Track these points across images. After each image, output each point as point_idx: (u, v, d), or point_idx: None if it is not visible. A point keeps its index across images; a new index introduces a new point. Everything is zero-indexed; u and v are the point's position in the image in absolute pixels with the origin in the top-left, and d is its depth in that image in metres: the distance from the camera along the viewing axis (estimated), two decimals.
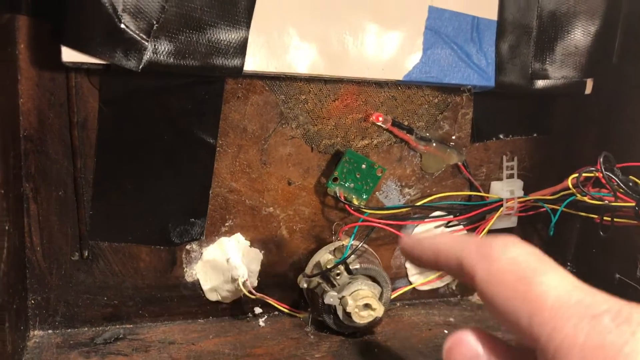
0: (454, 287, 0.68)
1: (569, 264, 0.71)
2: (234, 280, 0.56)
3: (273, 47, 0.49)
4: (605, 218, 0.57)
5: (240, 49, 0.48)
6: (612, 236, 0.57)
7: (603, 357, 0.21)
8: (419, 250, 0.33)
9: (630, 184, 0.54)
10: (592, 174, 0.57)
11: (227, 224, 0.56)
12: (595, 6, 0.57)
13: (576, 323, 0.22)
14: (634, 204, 0.52)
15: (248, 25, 0.48)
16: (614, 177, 0.54)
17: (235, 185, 0.55)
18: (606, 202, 0.55)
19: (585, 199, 0.56)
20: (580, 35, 0.57)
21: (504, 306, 0.26)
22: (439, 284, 0.66)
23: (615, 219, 0.56)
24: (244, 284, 0.55)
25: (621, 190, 0.54)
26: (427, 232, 0.63)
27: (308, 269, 0.58)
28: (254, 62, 0.49)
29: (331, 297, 0.54)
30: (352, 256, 0.56)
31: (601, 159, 0.54)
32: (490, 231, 0.63)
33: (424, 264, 0.34)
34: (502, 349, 0.28)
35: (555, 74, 0.58)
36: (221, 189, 0.55)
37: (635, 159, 0.56)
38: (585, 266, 0.69)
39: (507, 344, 0.29)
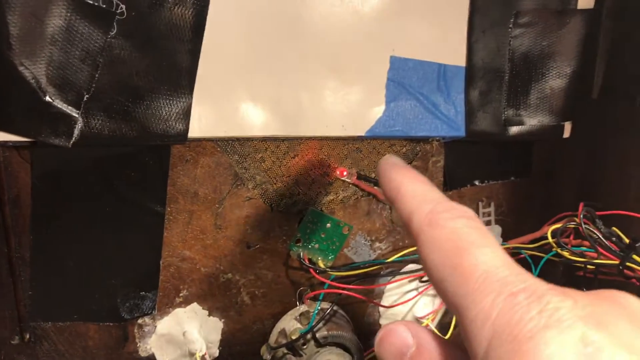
0: None
1: None
2: (191, 354, 0.52)
3: (221, 110, 0.45)
4: (589, 269, 0.53)
5: (184, 114, 0.44)
6: (599, 287, 0.53)
7: (509, 332, 0.21)
8: (387, 182, 0.33)
9: (614, 239, 0.50)
10: (572, 225, 0.53)
11: (181, 294, 0.52)
12: (570, 46, 0.53)
13: (494, 298, 0.23)
14: (617, 262, 0.49)
15: (191, 89, 0.44)
16: (595, 231, 0.50)
17: (189, 253, 0.51)
18: (588, 258, 0.51)
19: (566, 254, 0.52)
20: (555, 77, 0.54)
21: (437, 273, 0.26)
22: None
23: (599, 277, 0.52)
24: (202, 358, 0.51)
25: (603, 246, 0.50)
26: (401, 288, 0.59)
27: (272, 338, 0.54)
28: (200, 128, 0.45)
29: None
30: (320, 323, 0.52)
31: (581, 213, 0.51)
32: None
33: (385, 194, 0.34)
34: (434, 341, 0.29)
35: (531, 119, 0.54)
36: (173, 258, 0.51)
37: (622, 204, 0.53)
38: None
39: (440, 338, 0.29)
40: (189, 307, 0.52)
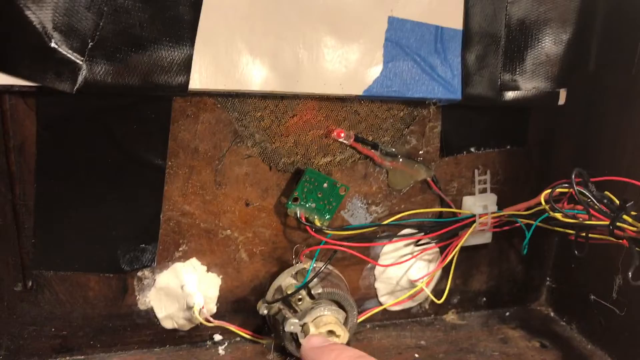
0: (427, 306, 0.65)
1: (548, 279, 0.69)
2: (189, 307, 0.53)
3: (221, 63, 0.46)
4: (580, 235, 0.54)
5: (185, 66, 0.45)
6: (591, 252, 0.54)
7: None
8: None
9: (605, 201, 0.51)
10: (565, 189, 0.54)
11: (181, 249, 0.53)
12: (567, 13, 0.54)
13: None
14: (607, 223, 0.50)
15: (192, 41, 0.45)
16: (587, 193, 0.51)
17: (189, 208, 0.52)
18: (580, 220, 0.52)
19: (558, 216, 0.53)
20: (551, 43, 0.54)
21: None
22: (410, 303, 0.63)
23: (591, 236, 0.53)
24: (199, 312, 0.52)
25: (595, 207, 0.51)
26: (396, 252, 0.60)
27: (269, 294, 0.55)
28: (200, 80, 0.46)
29: (292, 325, 0.51)
30: (315, 280, 0.53)
31: (573, 175, 0.52)
32: (463, 248, 0.60)
33: None
34: None
35: (526, 84, 0.55)
36: (173, 212, 0.52)
37: (616, 171, 0.53)
38: (565, 282, 0.67)
39: None
40: (188, 262, 0.54)
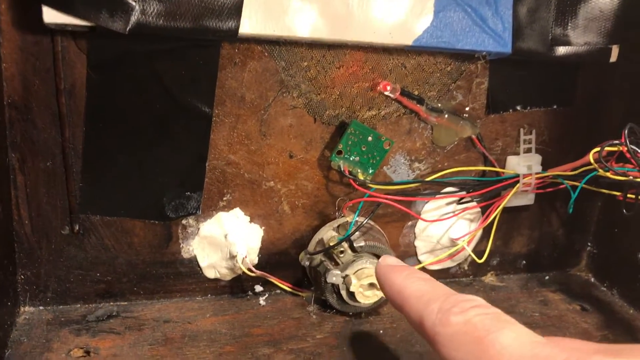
0: (466, 267, 0.64)
1: (589, 244, 0.68)
2: (232, 257, 0.53)
3: (271, 8, 0.46)
4: (629, 195, 0.53)
5: (235, 9, 0.45)
6: (636, 215, 0.53)
7: None
8: (388, 288, 0.35)
9: None
10: (615, 148, 0.53)
11: (225, 199, 0.53)
12: None
13: None
14: None
15: None
16: (639, 150, 0.50)
17: (234, 158, 0.52)
18: (631, 177, 0.51)
19: (608, 174, 0.52)
20: None
21: None
22: (449, 263, 0.63)
23: None
24: (242, 261, 0.53)
25: None
26: (438, 210, 0.59)
27: (311, 247, 0.55)
28: (250, 25, 0.46)
29: (334, 276, 0.51)
30: (357, 233, 0.53)
31: (626, 131, 0.50)
32: (505, 209, 0.59)
33: (390, 301, 0.36)
34: None
35: (578, 39, 0.54)
36: (218, 161, 0.52)
37: None
38: (607, 247, 0.66)
39: None
40: (231, 212, 0.54)
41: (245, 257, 0.53)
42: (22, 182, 0.48)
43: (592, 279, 0.67)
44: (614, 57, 0.56)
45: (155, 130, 0.49)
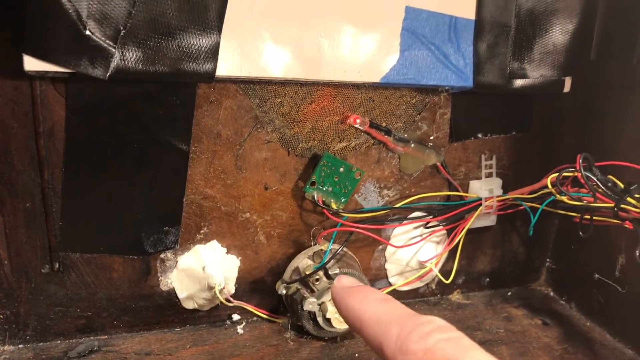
0: (433, 287, 0.67)
1: (548, 260, 0.72)
2: (210, 288, 0.55)
3: (246, 51, 0.48)
4: (585, 217, 0.57)
5: (212, 53, 0.46)
6: (592, 234, 0.56)
7: None
8: (345, 312, 0.34)
9: (610, 184, 0.54)
10: (571, 174, 0.57)
11: (202, 232, 0.55)
12: (572, 4, 0.56)
13: None
14: (612, 205, 0.52)
15: (220, 29, 0.46)
16: (592, 177, 0.54)
17: (210, 192, 0.54)
18: (585, 202, 0.54)
19: (564, 199, 0.55)
20: (558, 33, 0.57)
21: None
22: (418, 284, 0.66)
23: (595, 218, 0.55)
24: (220, 291, 0.54)
25: (600, 190, 0.53)
26: (407, 234, 0.62)
27: (286, 275, 0.57)
28: (226, 67, 0.47)
29: (310, 304, 0.53)
30: (331, 261, 0.55)
31: (580, 159, 0.54)
32: (469, 230, 0.62)
33: (347, 324, 0.34)
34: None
35: (534, 73, 0.57)
36: (195, 195, 0.53)
37: (616, 157, 0.56)
38: (564, 262, 0.70)
39: None
40: (209, 244, 0.55)
41: (223, 287, 0.54)
42: (1, 223, 0.48)
43: (552, 293, 0.71)
44: (567, 88, 0.60)
45: (133, 169, 0.50)
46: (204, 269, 0.54)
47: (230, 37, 0.47)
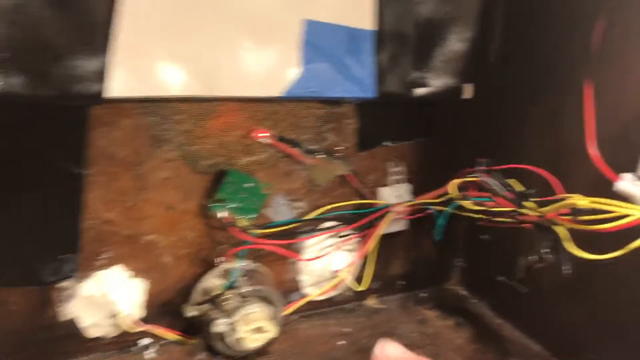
0: (349, 293, 0.67)
1: (459, 259, 0.73)
2: (115, 315, 0.52)
3: (139, 69, 0.46)
4: (487, 220, 0.58)
5: (99, 75, 0.44)
6: (498, 235, 0.58)
7: None
8: None
9: (509, 188, 0.55)
10: (473, 179, 0.58)
11: (104, 257, 0.52)
12: (470, 11, 0.57)
13: None
14: (512, 209, 0.54)
15: (107, 48, 0.44)
16: (492, 182, 0.55)
17: (110, 216, 0.51)
18: (487, 207, 0.56)
19: (467, 204, 0.56)
20: (456, 41, 0.58)
21: None
22: (334, 292, 0.66)
23: (497, 220, 0.57)
24: (125, 318, 0.52)
25: (500, 195, 0.55)
26: (319, 245, 0.62)
27: (195, 296, 0.55)
28: (117, 88, 0.45)
29: (220, 325, 0.52)
30: (241, 279, 0.54)
31: (480, 166, 0.55)
32: (381, 236, 0.63)
33: None
34: None
35: (434, 81, 0.58)
36: (94, 220, 0.51)
37: (514, 158, 0.58)
38: (475, 261, 0.71)
39: None
40: (111, 269, 0.53)
41: (129, 313, 0.52)
42: None
43: (464, 292, 0.73)
44: (467, 94, 0.61)
45: (24, 197, 0.47)
46: (107, 296, 0.52)
47: (121, 56, 0.45)
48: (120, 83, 0.45)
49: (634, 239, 0.43)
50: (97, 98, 0.45)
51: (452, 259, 0.73)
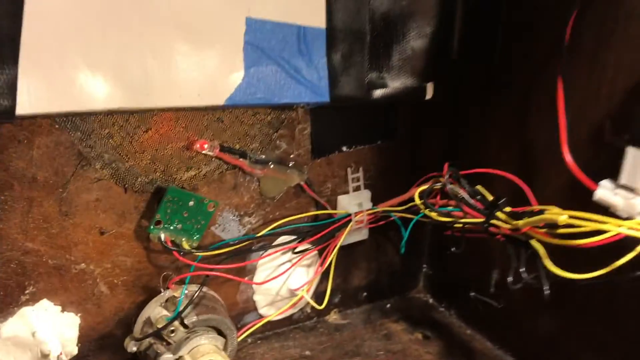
0: (308, 310, 0.63)
1: (424, 266, 0.69)
2: (44, 355, 0.46)
3: (54, 82, 0.39)
4: (455, 230, 0.54)
5: (8, 88, 0.38)
6: (467, 242, 0.54)
7: None
8: None
9: (478, 197, 0.51)
10: (438, 186, 0.54)
11: (28, 292, 0.46)
12: (429, 6, 0.53)
13: None
14: (482, 220, 0.49)
15: (15, 59, 0.38)
16: (460, 190, 0.51)
17: (32, 245, 0.45)
18: (454, 218, 0.51)
19: (433, 215, 0.52)
20: (416, 37, 0.53)
21: None
22: (292, 310, 0.61)
23: (467, 228, 0.53)
24: (57, 358, 0.46)
25: (469, 204, 0.50)
26: (274, 261, 0.57)
27: (137, 328, 0.50)
28: (30, 103, 0.39)
29: None
30: (188, 308, 0.49)
31: (446, 174, 0.51)
32: (342, 247, 0.58)
33: None
34: None
35: (394, 81, 0.53)
36: (13, 252, 0.45)
37: (482, 162, 0.53)
38: (440, 268, 0.68)
39: None
40: (37, 305, 0.47)
41: (61, 353, 0.46)
42: None
43: (431, 300, 0.69)
44: (429, 95, 0.56)
45: None
46: (34, 335, 0.46)
47: (32, 67, 0.38)
48: (32, 97, 0.39)
49: (616, 251, 0.39)
50: (8, 115, 0.39)
51: (418, 265, 0.69)
